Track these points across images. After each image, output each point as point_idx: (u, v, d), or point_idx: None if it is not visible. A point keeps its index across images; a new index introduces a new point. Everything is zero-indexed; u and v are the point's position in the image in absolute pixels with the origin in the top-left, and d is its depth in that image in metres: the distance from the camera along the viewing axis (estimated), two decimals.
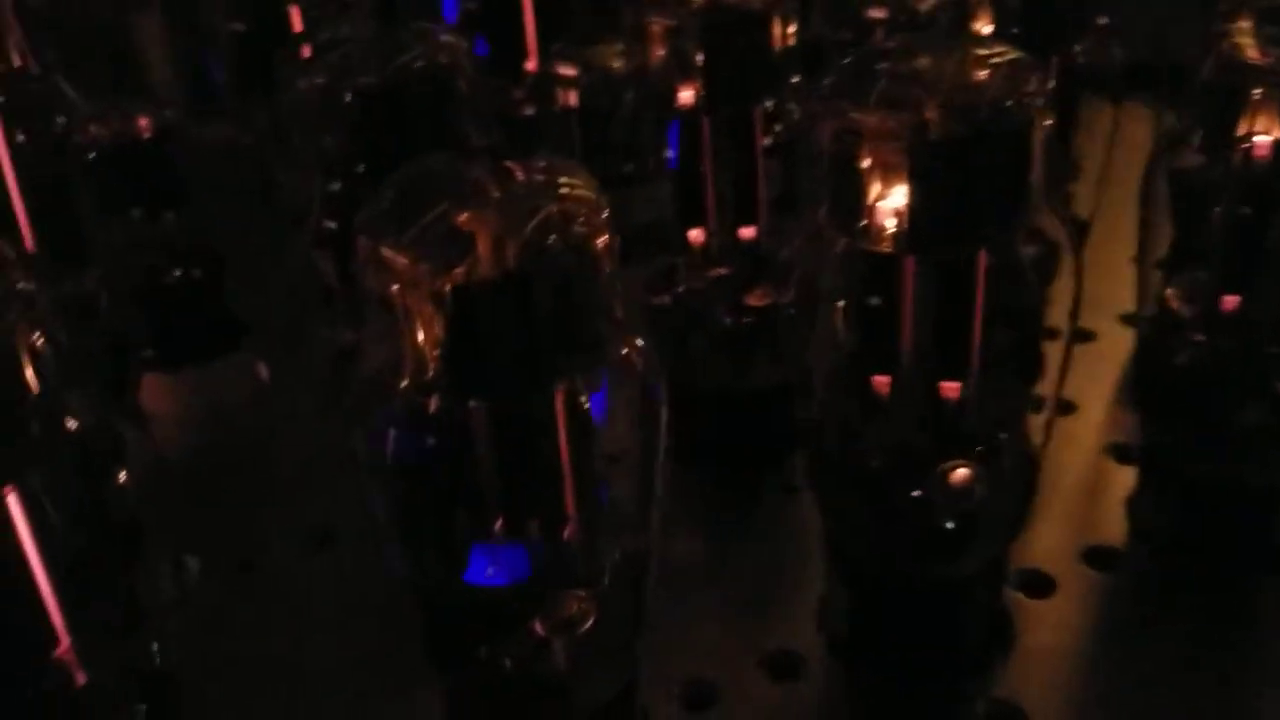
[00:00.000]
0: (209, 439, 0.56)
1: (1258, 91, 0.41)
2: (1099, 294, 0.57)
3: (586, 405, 0.34)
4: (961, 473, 0.41)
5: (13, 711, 0.33)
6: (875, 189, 0.35)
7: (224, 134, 0.70)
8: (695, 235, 0.51)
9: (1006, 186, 0.35)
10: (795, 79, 0.48)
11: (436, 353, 0.30)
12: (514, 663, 0.35)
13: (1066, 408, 0.54)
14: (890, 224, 0.35)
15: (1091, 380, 0.55)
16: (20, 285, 0.30)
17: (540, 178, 0.32)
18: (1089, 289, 0.51)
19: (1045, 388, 0.42)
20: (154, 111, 0.55)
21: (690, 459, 0.51)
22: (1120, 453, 0.52)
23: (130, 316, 0.50)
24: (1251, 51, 0.42)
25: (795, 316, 0.43)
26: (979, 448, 0.40)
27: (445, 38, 0.44)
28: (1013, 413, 0.42)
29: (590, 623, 0.35)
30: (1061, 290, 0.41)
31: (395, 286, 0.30)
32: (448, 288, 0.29)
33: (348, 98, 0.42)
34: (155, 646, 0.35)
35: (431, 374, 0.31)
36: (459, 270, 0.29)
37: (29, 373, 0.29)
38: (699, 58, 0.46)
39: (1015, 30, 0.50)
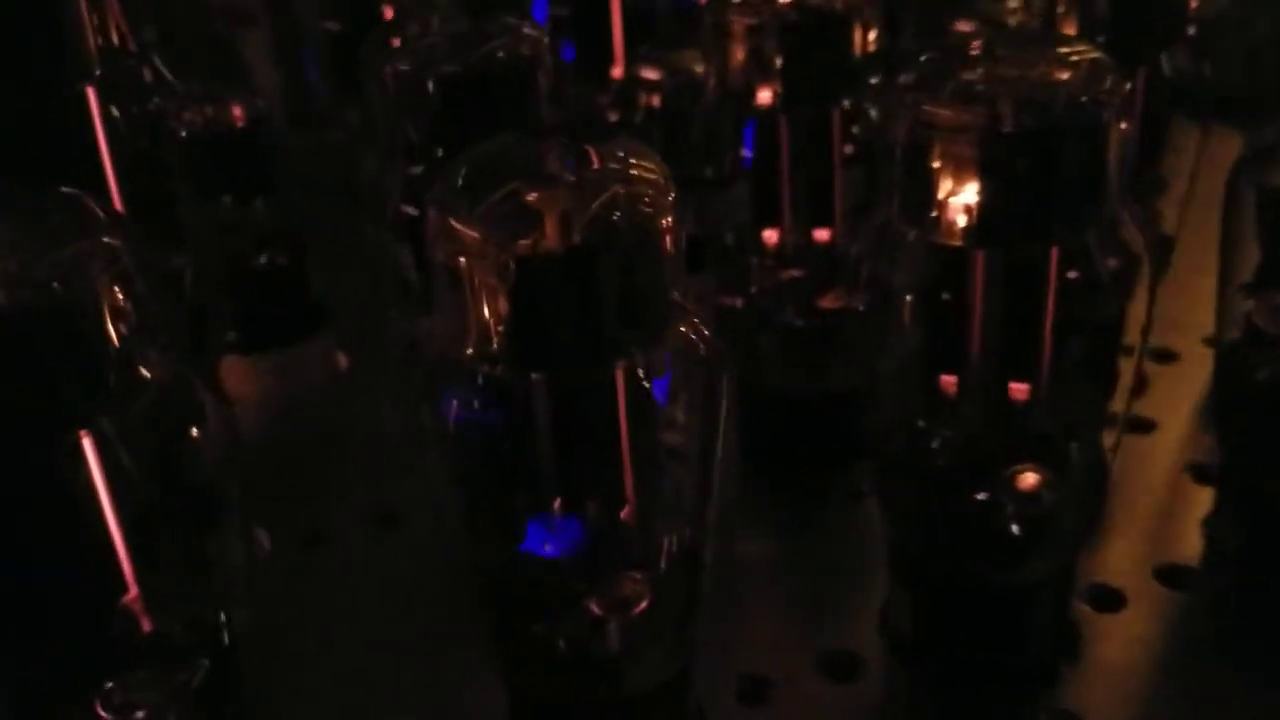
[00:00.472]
0: (285, 422, 0.57)
1: None
2: (1183, 316, 0.56)
3: (649, 386, 0.34)
4: (1030, 477, 0.40)
5: (79, 650, 0.34)
6: (948, 183, 0.35)
7: (318, 137, 0.72)
8: (770, 236, 0.51)
9: (1079, 183, 0.35)
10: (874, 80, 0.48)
11: (501, 326, 0.31)
12: (568, 641, 0.36)
13: (1146, 426, 0.53)
14: (961, 218, 0.35)
15: (1173, 400, 0.55)
16: (106, 240, 0.31)
17: (609, 158, 0.32)
18: (1174, 311, 0.50)
19: (1119, 401, 0.42)
20: (248, 100, 0.56)
21: (758, 459, 0.52)
22: (1199, 472, 0.51)
23: (215, 299, 0.51)
24: None
25: (866, 318, 0.42)
26: (1049, 452, 0.39)
27: (528, 30, 0.45)
28: (1085, 420, 0.42)
29: (644, 604, 0.35)
30: (1144, 309, 0.40)
31: (462, 259, 0.31)
32: (513, 260, 0.30)
33: (430, 85, 0.43)
34: (222, 608, 0.36)
35: (495, 347, 0.31)
36: (524, 243, 0.30)
37: (109, 325, 0.30)
38: (777, 58, 0.46)
39: (1101, 39, 0.50)
